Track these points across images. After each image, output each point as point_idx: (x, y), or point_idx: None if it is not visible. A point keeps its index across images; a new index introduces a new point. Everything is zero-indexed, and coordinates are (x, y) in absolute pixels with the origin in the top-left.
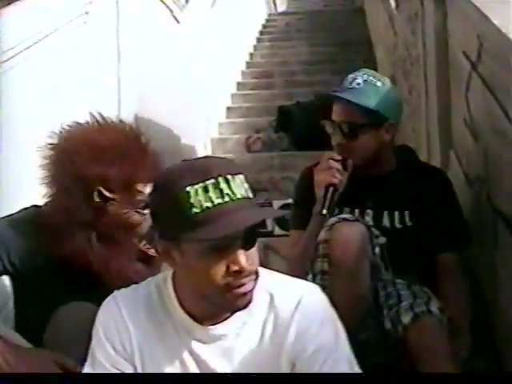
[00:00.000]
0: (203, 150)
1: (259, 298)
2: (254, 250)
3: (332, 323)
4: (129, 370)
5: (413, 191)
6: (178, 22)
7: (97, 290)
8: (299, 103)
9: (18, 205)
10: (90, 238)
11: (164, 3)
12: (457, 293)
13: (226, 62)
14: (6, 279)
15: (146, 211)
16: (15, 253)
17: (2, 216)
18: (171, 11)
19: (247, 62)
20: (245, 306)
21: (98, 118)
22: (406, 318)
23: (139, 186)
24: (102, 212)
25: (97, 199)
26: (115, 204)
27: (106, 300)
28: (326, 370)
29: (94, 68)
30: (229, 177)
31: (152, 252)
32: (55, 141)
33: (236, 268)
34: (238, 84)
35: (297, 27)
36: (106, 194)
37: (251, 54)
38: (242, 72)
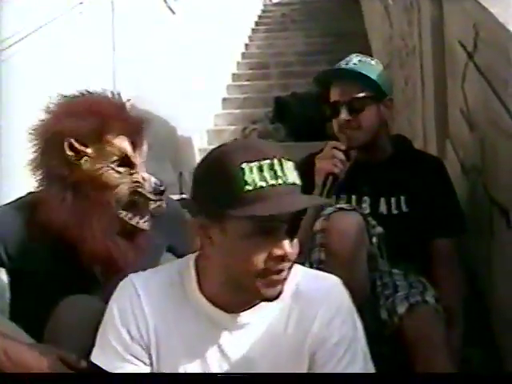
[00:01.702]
0: (199, 141)
1: (288, 288)
2: (296, 242)
3: (352, 316)
4: (143, 356)
5: (409, 177)
6: (173, 12)
7: (94, 282)
8: (295, 94)
9: (18, 193)
10: (65, 196)
11: None
12: (450, 279)
13: (221, 53)
14: (2, 271)
15: (122, 169)
16: (12, 245)
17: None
18: (165, 1)
19: (243, 53)
20: (275, 297)
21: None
22: (402, 308)
23: (109, 137)
24: (76, 169)
25: (69, 152)
26: (88, 160)
27: (123, 282)
28: (344, 362)
29: (89, 59)
30: (283, 160)
31: (135, 222)
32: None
33: (280, 253)
34: (234, 75)
35: (292, 18)
36: (77, 145)
37: (247, 45)
38: (238, 63)
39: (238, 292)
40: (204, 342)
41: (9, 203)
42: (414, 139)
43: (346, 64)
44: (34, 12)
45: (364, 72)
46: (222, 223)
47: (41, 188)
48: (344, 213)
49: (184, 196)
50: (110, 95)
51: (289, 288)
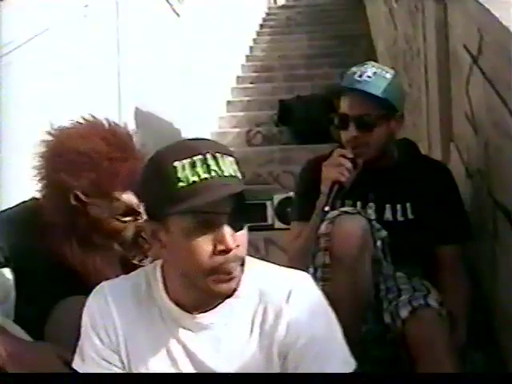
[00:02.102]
0: None
1: (249, 287)
2: (242, 234)
3: (324, 314)
4: (115, 360)
5: (415, 184)
6: (178, 15)
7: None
8: (299, 97)
9: (18, 198)
10: (70, 240)
11: None
12: (455, 287)
13: (226, 56)
14: (8, 272)
15: (128, 218)
16: (16, 246)
17: (3, 209)
18: (170, 4)
19: (247, 56)
20: (230, 294)
21: (90, 119)
22: (404, 312)
23: (116, 194)
24: (81, 215)
25: (74, 202)
26: (94, 207)
27: (94, 290)
28: (319, 362)
29: (94, 62)
30: (217, 155)
31: (137, 261)
32: (45, 139)
33: (222, 247)
34: (238, 78)
35: (297, 21)
36: (83, 197)
37: (251, 48)
38: (242, 66)
39: (196, 292)
40: (171, 344)
41: (13, 207)
42: (418, 142)
43: (360, 76)
44: (37, 15)
45: (375, 90)
46: (165, 223)
47: (42, 207)
48: (348, 216)
49: None
50: (118, 132)
51: (252, 287)
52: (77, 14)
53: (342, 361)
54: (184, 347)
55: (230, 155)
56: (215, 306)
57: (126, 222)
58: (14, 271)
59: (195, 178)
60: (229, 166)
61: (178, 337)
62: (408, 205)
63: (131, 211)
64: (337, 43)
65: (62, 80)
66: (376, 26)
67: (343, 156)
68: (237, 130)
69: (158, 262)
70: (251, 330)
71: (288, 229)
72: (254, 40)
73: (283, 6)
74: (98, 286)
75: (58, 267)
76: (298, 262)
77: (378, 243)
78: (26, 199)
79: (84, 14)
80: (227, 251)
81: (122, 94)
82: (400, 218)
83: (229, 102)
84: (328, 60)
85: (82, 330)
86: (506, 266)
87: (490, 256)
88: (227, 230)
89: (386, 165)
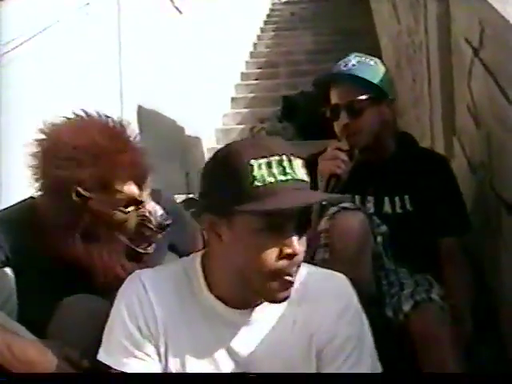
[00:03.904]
0: (208, 140)
1: (294, 288)
2: (304, 240)
3: (359, 315)
4: (152, 352)
5: (413, 176)
6: (180, 12)
7: (94, 284)
8: (303, 93)
9: (17, 197)
10: (73, 236)
11: None
12: (458, 279)
13: (229, 53)
14: (10, 272)
15: (130, 208)
16: (16, 245)
17: (1, 209)
18: (172, 1)
19: (251, 52)
20: (283, 300)
21: (82, 114)
22: (407, 306)
23: (118, 186)
24: (84, 210)
25: (75, 198)
26: (95, 202)
27: (130, 277)
28: (351, 360)
29: (96, 59)
30: (292, 157)
31: (141, 249)
32: (38, 138)
33: (289, 251)
34: (242, 74)
35: (301, 16)
36: (84, 193)
37: (255, 44)
38: (246, 62)
39: (247, 291)
40: (212, 339)
41: (11, 206)
42: (422, 136)
43: (345, 65)
44: (39, 13)
45: (361, 75)
46: (230, 219)
47: (41, 206)
48: (348, 212)
49: (191, 196)
50: (112, 124)
51: (296, 286)
52: (78, 12)
53: (371, 365)
54: (226, 343)
55: (298, 157)
56: (259, 304)
57: (128, 212)
58: (15, 271)
59: (271, 179)
60: (300, 169)
61: (220, 332)
62: (406, 197)
63: (133, 201)
64: (341, 38)
65: (63, 78)
66: (380, 20)
67: (338, 149)
68: (241, 126)
69: (197, 255)
70: (292, 327)
71: None
72: (258, 36)
73: (287, 2)
74: (132, 274)
75: (60, 265)
76: None
77: (379, 238)
78: (24, 198)
79: (86, 12)
80: (293, 256)
81: (124, 92)
82: (399, 210)
83: (233, 99)
84: (332, 55)
85: (114, 318)
86: (510, 260)
87: (493, 250)
88: (295, 235)
89: (383, 157)
